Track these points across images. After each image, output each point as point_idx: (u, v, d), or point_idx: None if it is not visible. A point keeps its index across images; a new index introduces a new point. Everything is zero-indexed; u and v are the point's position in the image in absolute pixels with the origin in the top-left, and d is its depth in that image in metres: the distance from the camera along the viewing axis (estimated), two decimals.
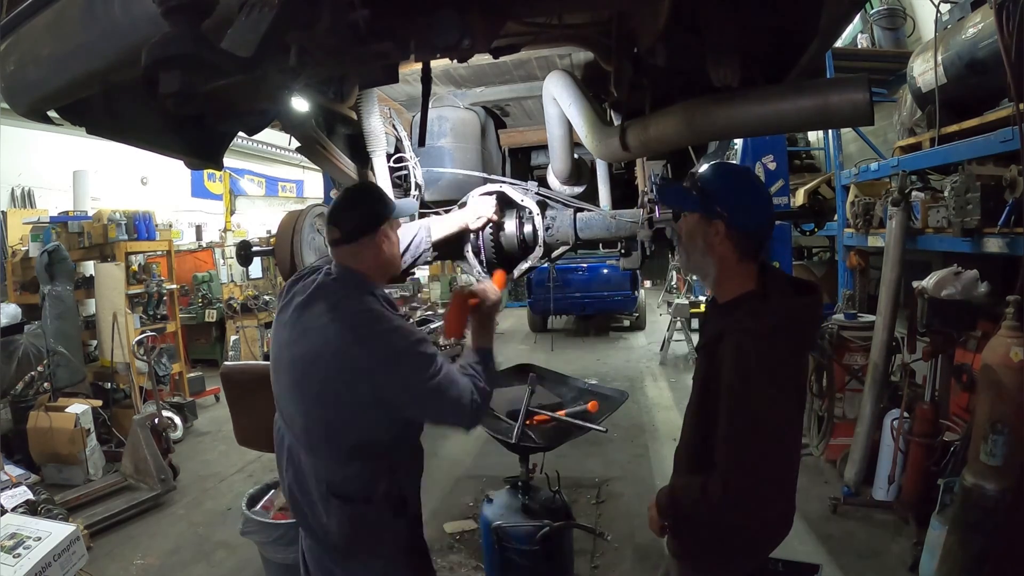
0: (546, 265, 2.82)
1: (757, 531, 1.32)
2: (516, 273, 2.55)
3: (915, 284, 3.01)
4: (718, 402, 1.21)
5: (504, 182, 2.54)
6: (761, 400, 1.16)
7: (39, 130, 5.89)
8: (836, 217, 4.70)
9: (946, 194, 2.96)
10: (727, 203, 1.28)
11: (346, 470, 1.47)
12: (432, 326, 6.07)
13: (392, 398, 1.41)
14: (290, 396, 1.51)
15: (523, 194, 2.51)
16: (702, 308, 6.38)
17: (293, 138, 2.16)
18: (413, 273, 6.32)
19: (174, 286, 5.68)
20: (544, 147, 2.62)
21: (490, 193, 2.51)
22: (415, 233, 2.17)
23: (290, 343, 1.51)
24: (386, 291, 1.58)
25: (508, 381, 2.41)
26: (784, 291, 1.29)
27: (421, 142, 1.79)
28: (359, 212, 1.55)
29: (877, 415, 3.39)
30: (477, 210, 2.42)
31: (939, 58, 3.21)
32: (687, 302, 7.40)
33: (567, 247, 2.58)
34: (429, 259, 2.29)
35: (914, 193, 3.35)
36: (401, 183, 2.64)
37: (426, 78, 1.52)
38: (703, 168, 1.41)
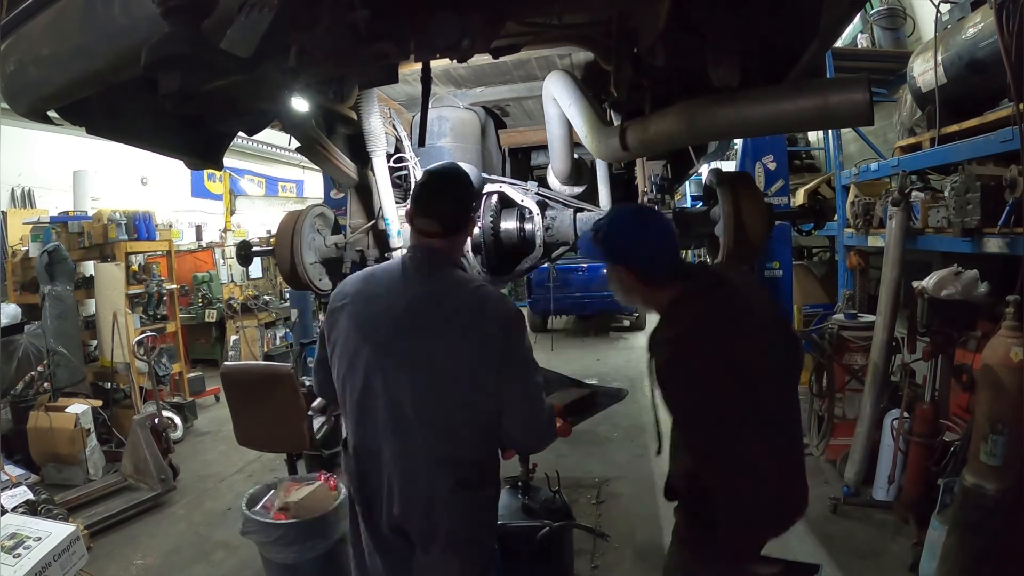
0: (546, 265, 2.82)
1: (752, 512, 1.34)
2: (516, 273, 2.55)
3: (915, 284, 3.00)
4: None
5: (504, 182, 2.54)
6: (679, 400, 1.34)
7: (39, 130, 5.87)
8: (836, 217, 4.70)
9: (946, 194, 2.96)
10: (624, 251, 1.47)
11: (480, 455, 1.49)
12: None
13: (502, 388, 1.43)
14: (423, 388, 1.43)
15: (523, 194, 2.51)
16: None
17: (293, 138, 2.17)
18: None
19: (174, 286, 5.67)
20: (544, 147, 2.62)
21: (490, 194, 2.51)
22: None
23: (408, 320, 1.42)
24: None
25: None
26: (697, 293, 1.42)
27: (421, 142, 1.79)
28: (464, 203, 1.52)
29: (877, 415, 3.38)
30: None
31: (939, 58, 3.20)
32: None
33: (567, 247, 2.58)
34: None
35: (914, 193, 3.34)
36: (401, 183, 2.63)
37: (426, 78, 1.53)
38: (605, 219, 1.55)
